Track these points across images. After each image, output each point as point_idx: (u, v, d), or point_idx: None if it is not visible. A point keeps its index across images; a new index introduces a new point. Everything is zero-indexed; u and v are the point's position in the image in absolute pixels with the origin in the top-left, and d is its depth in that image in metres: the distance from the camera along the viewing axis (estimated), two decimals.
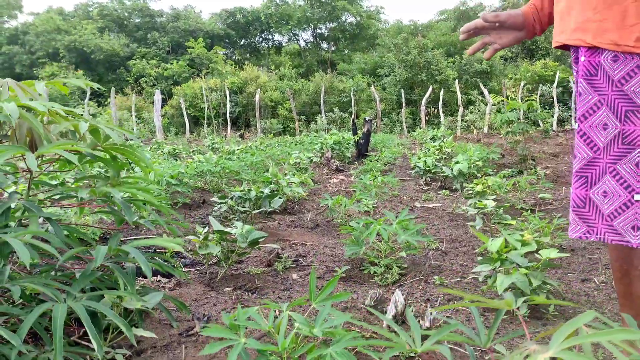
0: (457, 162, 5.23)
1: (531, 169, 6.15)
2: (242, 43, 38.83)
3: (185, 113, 20.28)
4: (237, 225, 2.63)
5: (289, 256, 2.94)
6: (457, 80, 20.16)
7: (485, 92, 19.39)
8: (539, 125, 14.08)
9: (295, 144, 12.18)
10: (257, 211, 3.31)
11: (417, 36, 21.23)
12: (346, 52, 36.64)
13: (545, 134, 14.24)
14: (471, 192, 4.16)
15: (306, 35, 38.52)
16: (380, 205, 4.31)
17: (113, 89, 20.02)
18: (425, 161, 5.86)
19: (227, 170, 5.59)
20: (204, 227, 2.68)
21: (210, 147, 12.04)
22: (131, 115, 21.67)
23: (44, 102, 1.64)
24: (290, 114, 20.53)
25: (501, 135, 6.05)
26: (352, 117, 8.66)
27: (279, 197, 4.18)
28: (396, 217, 2.82)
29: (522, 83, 19.82)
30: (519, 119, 6.32)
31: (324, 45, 37.91)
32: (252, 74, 22.60)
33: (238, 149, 7.85)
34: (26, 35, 33.57)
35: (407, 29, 29.12)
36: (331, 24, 36.78)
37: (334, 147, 7.79)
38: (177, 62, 28.66)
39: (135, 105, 22.09)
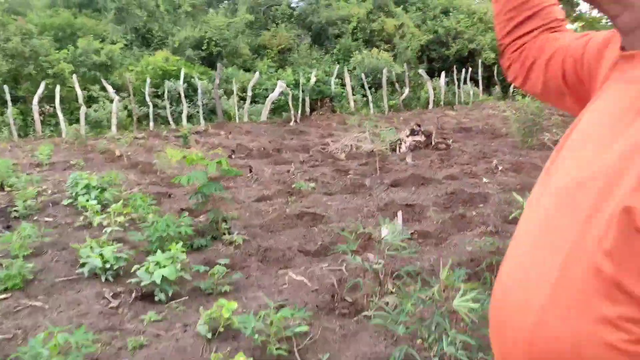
0: (157, 264, 3.87)
1: (225, 233, 5.24)
2: None
3: None
4: None
5: None
6: (74, 74, 17.59)
7: (109, 87, 17.59)
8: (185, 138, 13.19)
9: None
10: None
11: (18, 18, 17.52)
12: None
13: (184, 141, 13.63)
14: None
15: None
16: None
17: None
18: (102, 254, 4.25)
19: None
20: None
21: None
22: None
23: None
24: None
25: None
26: None
27: None
28: None
29: (148, 79, 18.78)
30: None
31: None
32: None
33: None
34: None
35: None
36: None
37: None
38: None
39: None
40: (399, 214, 4.54)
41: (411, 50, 23.17)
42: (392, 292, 3.71)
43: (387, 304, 3.57)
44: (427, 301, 2.71)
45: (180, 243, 4.11)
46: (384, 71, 19.15)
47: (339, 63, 21.99)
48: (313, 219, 5.89)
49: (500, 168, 7.84)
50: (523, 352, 0.69)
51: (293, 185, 7.47)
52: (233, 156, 11.08)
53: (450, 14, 24.76)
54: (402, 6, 25.55)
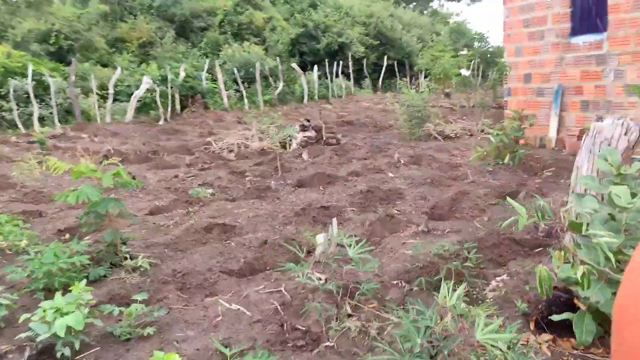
0: (57, 310, 3.03)
1: (126, 257, 4.42)
2: None
3: None
4: None
5: None
6: None
7: None
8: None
9: None
10: None
11: None
12: None
13: (42, 147, 11.93)
14: None
15: None
16: None
17: None
18: None
19: None
20: None
21: None
22: None
23: None
24: None
25: None
26: None
27: None
28: None
29: None
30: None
31: None
32: None
33: None
34: None
35: None
36: None
37: None
38: None
39: None
40: (334, 221, 4.11)
41: (282, 43, 22.84)
42: (350, 315, 3.27)
43: (349, 329, 3.12)
44: (424, 331, 2.30)
45: (84, 281, 3.28)
46: (257, 65, 18.59)
47: (207, 57, 20.97)
48: (225, 231, 5.25)
49: (402, 162, 7.76)
50: None
51: (189, 193, 6.70)
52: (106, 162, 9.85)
53: (318, 7, 24.85)
54: None
